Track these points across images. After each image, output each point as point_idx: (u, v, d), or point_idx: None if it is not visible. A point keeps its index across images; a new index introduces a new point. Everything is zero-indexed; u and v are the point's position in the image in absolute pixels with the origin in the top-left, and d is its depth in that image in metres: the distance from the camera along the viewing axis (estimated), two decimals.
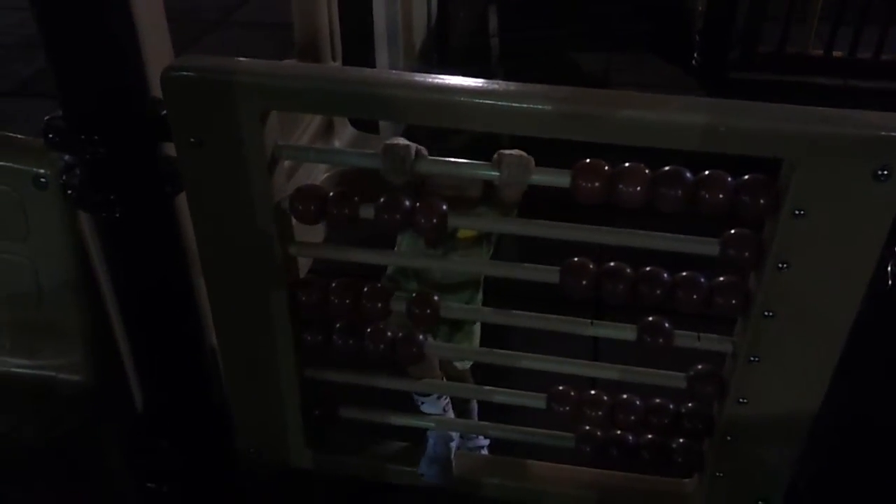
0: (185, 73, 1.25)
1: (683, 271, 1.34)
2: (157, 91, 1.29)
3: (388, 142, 1.31)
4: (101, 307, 1.59)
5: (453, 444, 1.68)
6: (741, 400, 1.40)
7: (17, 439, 1.69)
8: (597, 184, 1.23)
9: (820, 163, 1.14)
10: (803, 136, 1.13)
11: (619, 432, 1.58)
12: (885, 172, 1.12)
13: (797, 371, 1.36)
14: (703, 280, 1.33)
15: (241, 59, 1.29)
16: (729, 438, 1.47)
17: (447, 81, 1.25)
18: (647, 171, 1.22)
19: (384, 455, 1.73)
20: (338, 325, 1.52)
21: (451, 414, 1.70)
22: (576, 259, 1.39)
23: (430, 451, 1.67)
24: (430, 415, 1.67)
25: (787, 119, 1.15)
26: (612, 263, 1.35)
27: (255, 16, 4.37)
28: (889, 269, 1.29)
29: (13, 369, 1.71)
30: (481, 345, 1.68)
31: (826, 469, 1.56)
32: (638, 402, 1.51)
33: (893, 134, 1.11)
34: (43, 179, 1.48)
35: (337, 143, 2.63)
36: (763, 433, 1.45)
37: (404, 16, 2.76)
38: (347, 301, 1.46)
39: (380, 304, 1.45)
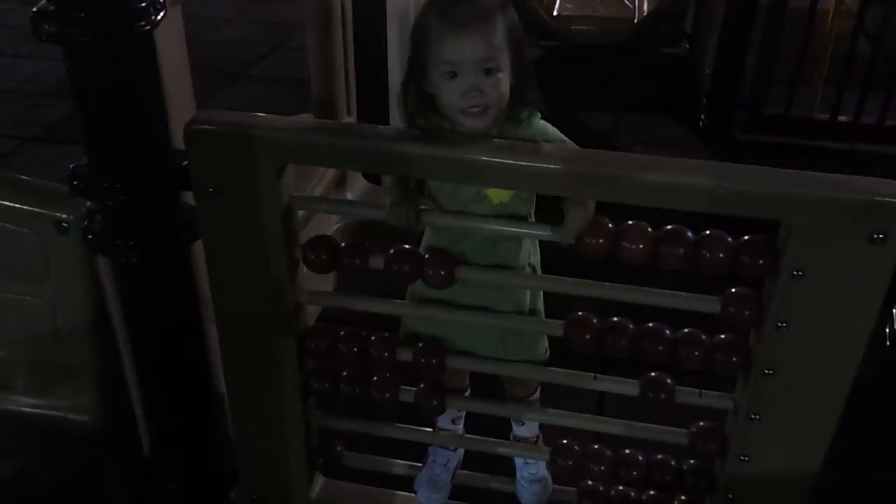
0: (206, 126, 1.30)
1: (685, 328, 1.36)
2: (178, 142, 1.34)
3: (390, 202, 1.35)
4: (114, 350, 1.62)
5: (452, 465, 1.68)
6: (742, 457, 1.41)
7: (25, 478, 1.70)
8: (601, 241, 1.27)
9: (817, 226, 1.17)
10: (800, 200, 1.17)
11: (621, 488, 1.58)
12: (881, 236, 1.15)
13: (798, 429, 1.37)
14: (704, 337, 1.35)
15: (260, 114, 1.34)
16: (730, 496, 1.47)
17: (458, 139, 1.30)
18: (649, 229, 1.26)
19: None
20: (345, 374, 1.55)
21: (461, 428, 1.70)
22: (580, 313, 1.42)
23: (427, 471, 1.68)
24: (440, 428, 1.68)
25: (783, 183, 1.19)
26: (615, 319, 1.38)
27: (272, 71, 4.47)
28: (888, 329, 1.32)
29: (24, 409, 1.73)
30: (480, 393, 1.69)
31: None
32: (640, 458, 1.52)
33: (888, 199, 1.14)
34: (64, 224, 1.52)
35: (349, 196, 2.68)
36: (764, 492, 1.45)
37: None
38: (355, 349, 1.49)
39: (387, 354, 1.48)
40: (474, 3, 1.28)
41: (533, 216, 1.45)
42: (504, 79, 1.29)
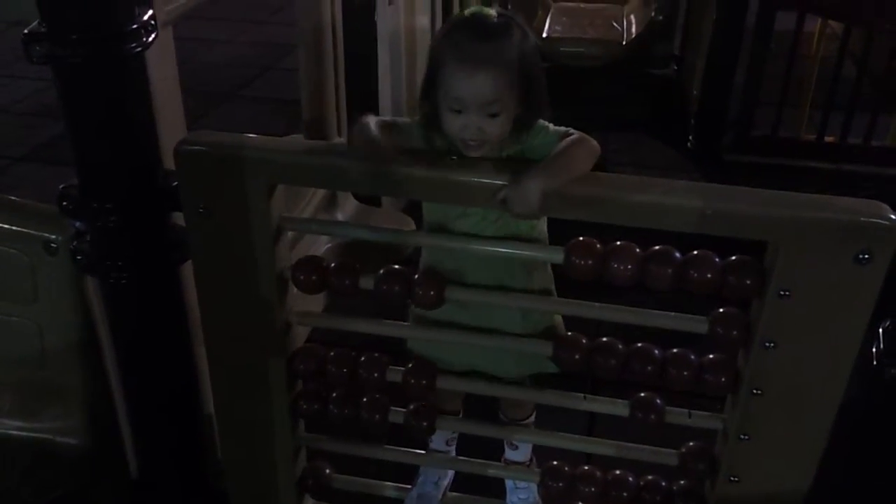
0: (196, 147, 1.31)
1: (674, 348, 1.37)
2: (169, 163, 1.35)
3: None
4: (102, 372, 1.61)
5: (444, 483, 1.68)
6: (732, 478, 1.41)
7: (12, 502, 1.69)
8: (590, 261, 1.27)
9: (803, 246, 1.18)
10: (787, 221, 1.18)
11: None
12: (867, 256, 1.16)
13: (787, 449, 1.37)
14: (693, 357, 1.36)
15: (250, 135, 1.35)
16: None
17: (447, 160, 1.31)
18: (637, 249, 1.26)
19: None
20: (334, 395, 1.54)
21: (453, 450, 1.70)
22: (570, 333, 1.43)
23: (418, 489, 1.67)
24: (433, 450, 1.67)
25: (770, 203, 1.20)
26: (604, 339, 1.38)
27: (264, 91, 4.49)
28: (874, 348, 1.32)
29: (11, 431, 1.72)
30: (472, 414, 1.69)
31: None
32: (630, 479, 1.52)
33: (873, 220, 1.15)
34: (53, 245, 1.52)
35: (340, 216, 2.69)
36: None
37: (409, 95, 2.85)
38: (344, 370, 1.48)
39: (376, 374, 1.48)
40: (492, 41, 1.27)
41: (544, 237, 1.44)
42: (506, 120, 1.30)
